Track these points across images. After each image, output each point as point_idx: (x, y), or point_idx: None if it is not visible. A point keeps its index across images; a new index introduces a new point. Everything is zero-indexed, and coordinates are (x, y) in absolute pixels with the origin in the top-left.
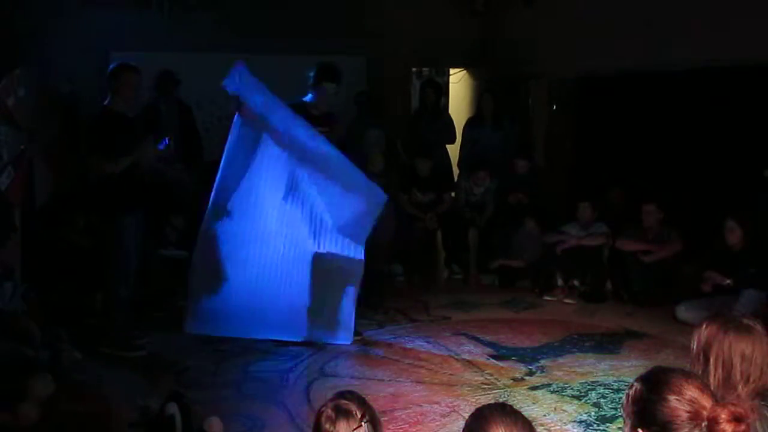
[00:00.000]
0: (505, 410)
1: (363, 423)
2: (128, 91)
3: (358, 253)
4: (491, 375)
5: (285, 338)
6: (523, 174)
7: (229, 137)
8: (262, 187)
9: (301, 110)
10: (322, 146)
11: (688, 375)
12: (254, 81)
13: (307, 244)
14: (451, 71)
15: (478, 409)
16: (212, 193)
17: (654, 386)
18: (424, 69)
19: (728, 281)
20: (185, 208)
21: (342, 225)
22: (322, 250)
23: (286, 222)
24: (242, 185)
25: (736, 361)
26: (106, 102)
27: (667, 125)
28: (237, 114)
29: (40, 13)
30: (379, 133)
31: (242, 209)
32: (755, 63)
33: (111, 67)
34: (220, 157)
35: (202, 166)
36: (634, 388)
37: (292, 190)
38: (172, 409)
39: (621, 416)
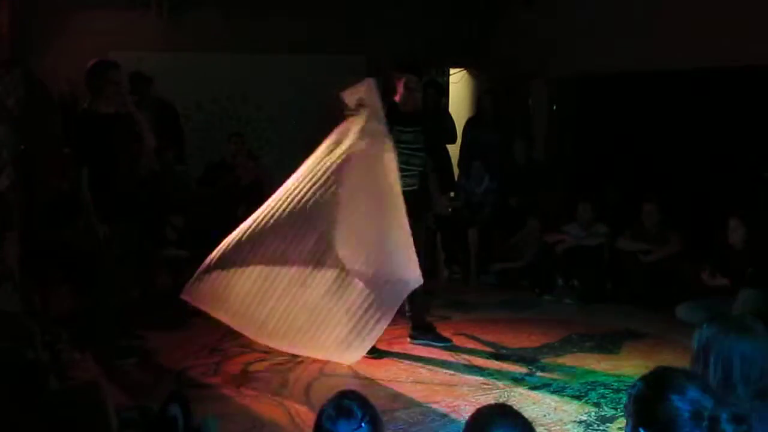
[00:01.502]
0: (505, 411)
1: (363, 424)
2: (111, 89)
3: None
4: (491, 375)
5: (287, 349)
6: (522, 166)
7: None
8: (322, 200)
9: (392, 110)
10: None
11: (690, 375)
12: (378, 101)
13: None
14: (451, 71)
15: (478, 410)
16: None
17: (656, 386)
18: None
19: (725, 281)
20: (185, 209)
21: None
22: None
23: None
24: (306, 188)
25: (736, 361)
26: (86, 104)
27: (667, 125)
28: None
29: (41, 13)
30: None
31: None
32: (755, 63)
33: (89, 65)
34: (221, 160)
35: (184, 161)
36: (636, 388)
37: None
38: (175, 410)
39: (621, 416)
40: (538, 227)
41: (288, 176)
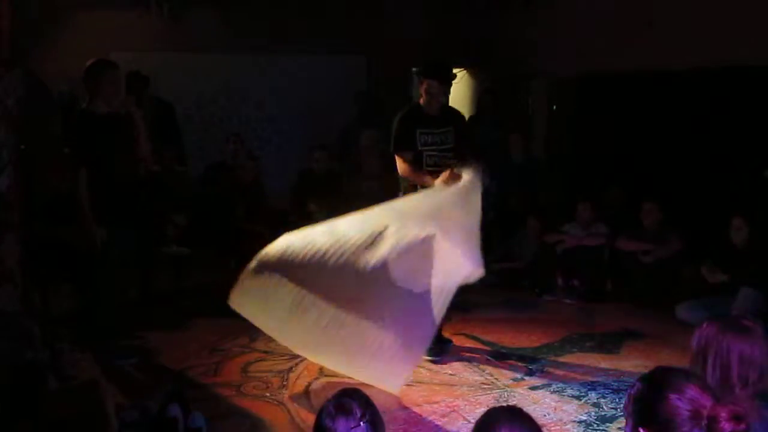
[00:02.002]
0: (514, 414)
1: (362, 423)
2: (109, 89)
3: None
4: (491, 375)
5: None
6: (519, 165)
7: None
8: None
9: (416, 112)
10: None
11: (689, 374)
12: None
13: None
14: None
15: (489, 410)
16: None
17: (655, 385)
18: None
19: (725, 277)
20: (186, 207)
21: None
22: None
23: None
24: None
25: (734, 362)
26: (84, 105)
27: (667, 125)
28: None
29: (40, 13)
30: (373, 134)
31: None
32: (755, 63)
33: (87, 65)
34: (222, 160)
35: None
36: (635, 388)
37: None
38: (174, 410)
39: (621, 416)
40: (537, 227)
41: (287, 177)
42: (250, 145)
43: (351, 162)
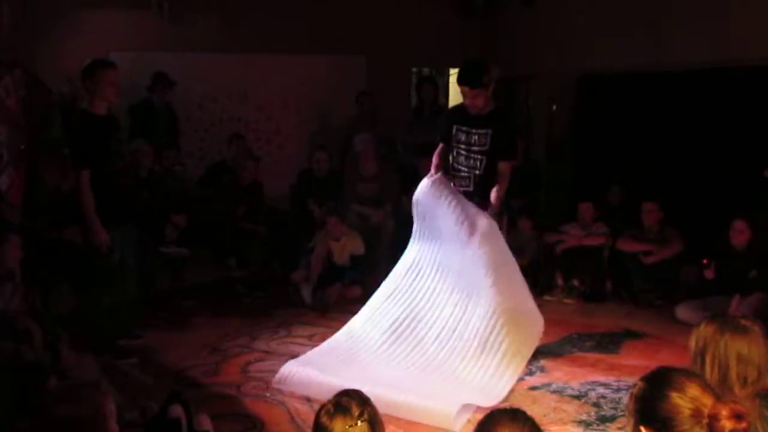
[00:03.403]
0: (515, 416)
1: (359, 422)
2: (108, 90)
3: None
4: None
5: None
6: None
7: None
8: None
9: (461, 109)
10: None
11: (690, 374)
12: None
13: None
14: (451, 71)
15: (491, 411)
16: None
17: (657, 384)
18: (424, 69)
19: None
20: (185, 207)
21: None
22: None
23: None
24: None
25: (732, 362)
26: (84, 105)
27: (667, 125)
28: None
29: (40, 13)
30: (367, 137)
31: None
32: (756, 63)
33: (85, 65)
34: (222, 160)
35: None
36: (637, 387)
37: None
38: (177, 411)
39: (621, 416)
40: (530, 226)
41: (287, 177)
42: (250, 145)
43: (349, 164)
